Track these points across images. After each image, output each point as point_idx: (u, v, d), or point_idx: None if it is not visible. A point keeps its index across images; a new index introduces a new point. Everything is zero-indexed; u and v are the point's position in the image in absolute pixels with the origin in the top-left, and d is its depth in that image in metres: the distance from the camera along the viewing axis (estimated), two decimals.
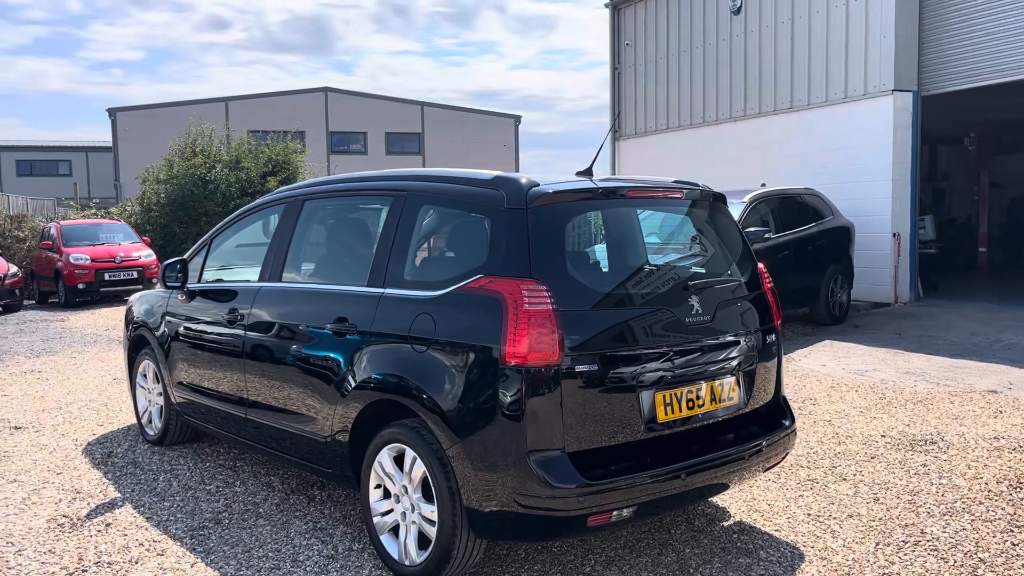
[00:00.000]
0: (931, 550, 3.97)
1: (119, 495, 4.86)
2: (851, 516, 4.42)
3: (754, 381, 3.98)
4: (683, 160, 15.89)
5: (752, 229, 9.60)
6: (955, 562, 3.84)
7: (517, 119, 49.05)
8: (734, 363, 3.86)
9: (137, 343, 5.93)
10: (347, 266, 4.28)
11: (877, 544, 4.06)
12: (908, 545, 4.04)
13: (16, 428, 6.44)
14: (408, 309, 3.68)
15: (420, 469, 3.57)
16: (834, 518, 4.40)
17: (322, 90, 45.89)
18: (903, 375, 7.86)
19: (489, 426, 3.31)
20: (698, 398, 3.68)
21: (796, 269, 10.25)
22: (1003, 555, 3.89)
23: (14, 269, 16.13)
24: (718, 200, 4.25)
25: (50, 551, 4.05)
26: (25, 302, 17.12)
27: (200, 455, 5.62)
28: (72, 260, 16.39)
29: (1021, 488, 4.73)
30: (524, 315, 3.26)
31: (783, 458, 4.16)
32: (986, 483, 4.83)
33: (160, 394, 5.67)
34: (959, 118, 16.08)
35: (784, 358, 8.73)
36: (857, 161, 12.51)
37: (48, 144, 55.57)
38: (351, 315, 3.95)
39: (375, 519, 3.84)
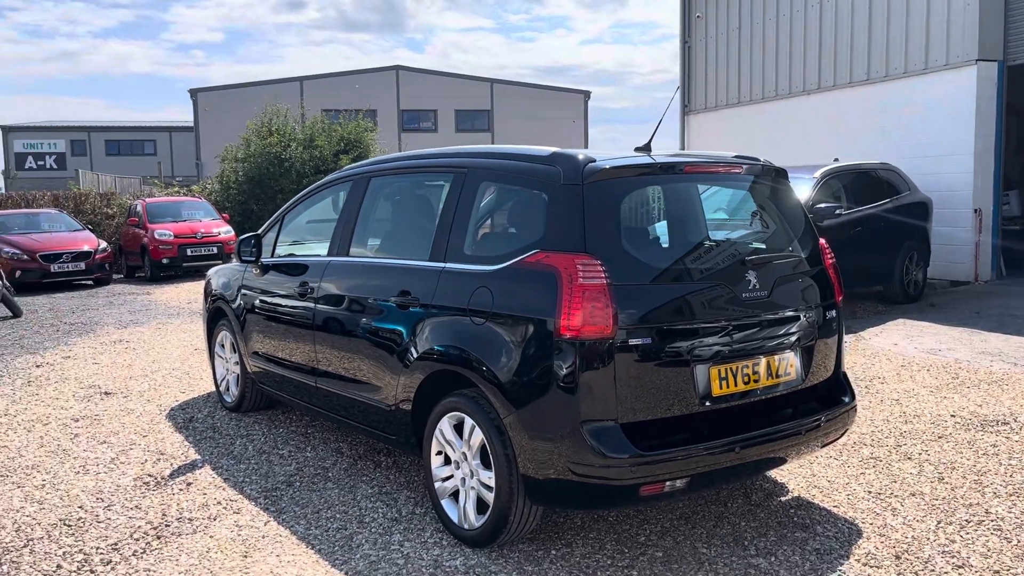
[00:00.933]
0: (995, 530, 3.92)
1: (199, 457, 5.14)
2: (913, 495, 4.38)
3: (813, 357, 3.97)
4: (754, 135, 15.60)
5: (823, 205, 9.42)
6: (1019, 542, 3.78)
7: (586, 95, 48.69)
8: (792, 339, 3.86)
9: (215, 315, 6.22)
10: (410, 241, 4.42)
11: (939, 522, 4.03)
12: (971, 524, 3.99)
13: (106, 394, 6.83)
14: (467, 283, 3.79)
15: (479, 437, 3.69)
16: (896, 496, 4.37)
17: (393, 68, 46.38)
18: (979, 355, 7.65)
19: (544, 397, 3.40)
20: (754, 373, 3.70)
21: (869, 246, 10.01)
22: None
23: (104, 244, 16.91)
24: (780, 175, 4.23)
25: (136, 507, 4.33)
26: (114, 276, 17.94)
27: (274, 421, 5.88)
28: (157, 236, 17.08)
29: None
30: (579, 289, 3.33)
31: (842, 434, 4.15)
32: None
33: (236, 363, 5.95)
34: None
35: (854, 336, 8.71)
36: (937, 134, 12.10)
37: (134, 124, 57.67)
38: (413, 288, 4.08)
39: (436, 484, 3.99)
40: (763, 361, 3.72)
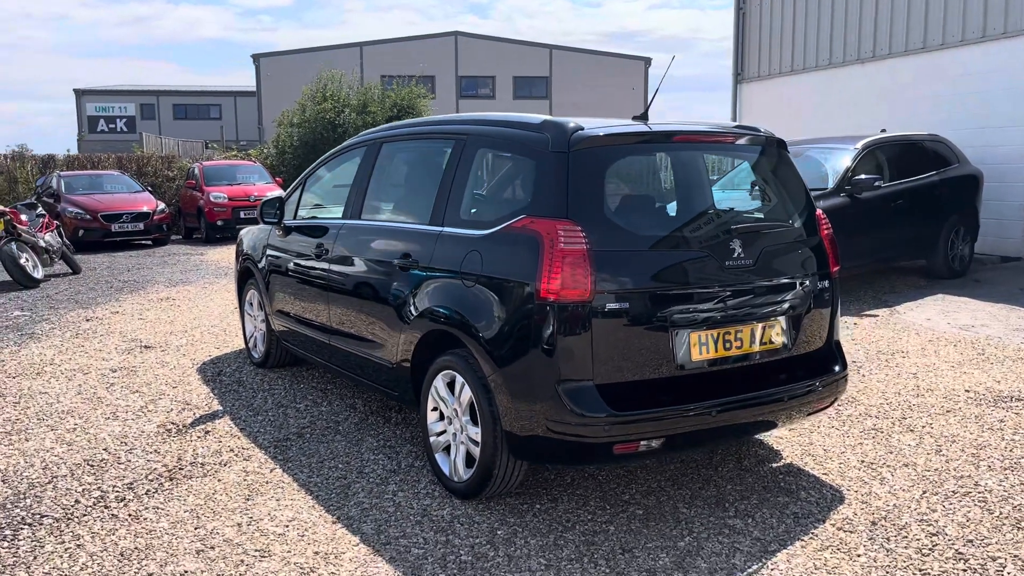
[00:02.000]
0: (979, 501, 3.94)
1: (221, 408, 5.43)
2: (906, 465, 4.41)
3: (802, 326, 4.02)
4: (806, 104, 15.29)
5: (862, 177, 9.26)
6: (1000, 514, 3.80)
7: (647, 61, 47.98)
8: (779, 307, 3.90)
9: (244, 274, 6.49)
10: (414, 205, 4.56)
11: (924, 492, 4.06)
12: (957, 495, 4.02)
13: (146, 347, 7.20)
14: (461, 246, 3.93)
15: (467, 394, 3.85)
16: (888, 466, 4.40)
17: (452, 34, 46.36)
18: (1013, 331, 7.50)
19: (524, 357, 3.54)
20: (737, 340, 3.77)
21: (911, 219, 9.80)
22: None
23: (162, 206, 17.51)
24: (779, 146, 4.24)
25: (155, 451, 4.63)
26: (173, 237, 18.59)
27: (297, 377, 6.14)
28: (212, 199, 17.61)
29: None
30: (559, 254, 3.44)
31: (831, 403, 4.19)
32: None
33: (263, 321, 6.22)
34: None
35: (888, 310, 8.60)
36: (993, 105, 11.70)
37: (200, 89, 58.94)
38: (414, 251, 4.24)
39: (431, 439, 4.17)
40: (746, 328, 3.79)
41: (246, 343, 6.65)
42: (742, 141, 4.15)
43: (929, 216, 10.04)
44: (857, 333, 7.60)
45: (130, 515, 3.82)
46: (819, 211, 4.26)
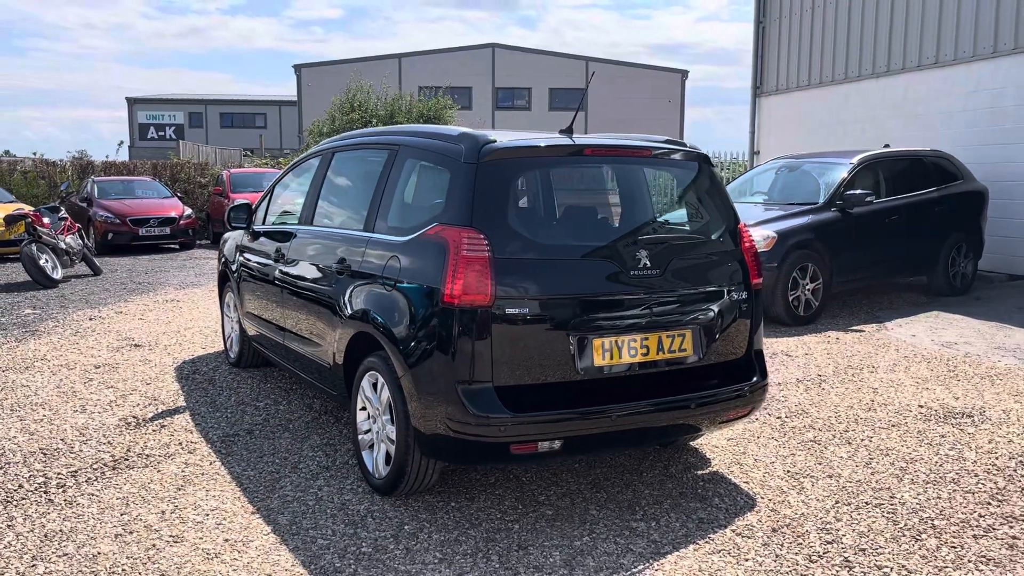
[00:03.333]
0: (888, 512, 3.99)
1: (185, 404, 5.67)
2: (831, 477, 4.46)
3: (716, 336, 4.10)
4: (822, 118, 15.21)
5: (853, 192, 9.23)
6: (905, 525, 3.84)
7: (683, 74, 47.86)
8: (688, 317, 4.00)
9: (223, 277, 6.75)
10: (353, 212, 4.75)
11: (837, 503, 4.11)
12: (869, 506, 4.06)
13: (136, 346, 7.50)
14: (384, 252, 4.11)
15: (386, 394, 4.02)
16: (812, 477, 4.46)
17: (489, 46, 46.79)
18: (993, 350, 7.44)
19: (429, 358, 3.69)
20: (642, 347, 3.87)
21: (908, 235, 9.73)
22: (960, 524, 3.85)
23: (189, 211, 18.03)
24: (702, 160, 4.34)
25: (108, 442, 4.87)
26: (200, 241, 19.12)
27: (267, 377, 6.37)
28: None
29: None
30: (463, 260, 3.60)
31: (748, 412, 4.25)
32: (997, 458, 4.68)
33: (237, 322, 6.46)
34: None
35: (877, 326, 8.57)
36: (1004, 121, 11.55)
37: (246, 98, 60.36)
38: (348, 256, 4.43)
39: (359, 436, 4.34)
40: (652, 336, 3.89)
41: (224, 343, 6.90)
42: (663, 155, 4.26)
43: (928, 232, 9.96)
44: (835, 348, 7.60)
45: (65, 500, 4.05)
46: (742, 225, 4.34)
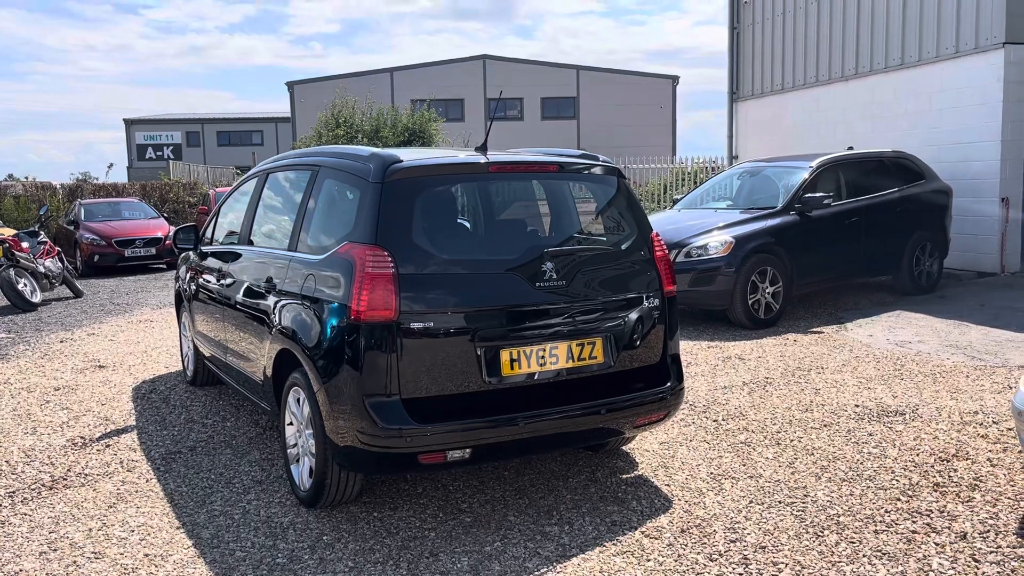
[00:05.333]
0: (798, 511, 4.09)
1: (134, 423, 5.79)
2: (752, 477, 4.56)
3: (627, 343, 4.21)
4: (797, 121, 15.34)
5: (811, 195, 9.34)
6: (810, 522, 3.94)
7: (675, 80, 48.01)
8: (597, 325, 4.11)
9: (179, 297, 6.88)
10: (280, 232, 4.88)
11: (751, 503, 4.21)
12: (781, 505, 4.16)
13: (100, 367, 7.64)
14: (304, 271, 4.23)
15: (307, 408, 4.14)
16: (732, 478, 4.56)
17: (480, 57, 47.02)
18: (945, 347, 7.53)
19: (339, 372, 3.82)
20: (551, 355, 3.99)
21: (869, 236, 9.82)
22: (865, 520, 3.95)
23: (175, 230, 18.19)
24: (612, 174, 4.46)
25: (51, 463, 5.00)
26: None
27: (222, 394, 6.49)
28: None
29: (948, 461, 4.65)
30: (368, 277, 3.72)
31: (663, 416, 4.36)
32: (917, 455, 4.78)
33: (192, 340, 6.59)
34: None
35: (837, 327, 8.67)
36: (966, 121, 11.66)
37: (241, 116, 60.73)
38: (274, 275, 4.56)
39: (288, 450, 4.46)
40: (561, 345, 4.01)
41: (182, 362, 7.03)
42: (572, 170, 4.38)
43: (890, 233, 10.06)
44: (790, 350, 7.70)
45: None
46: (654, 234, 4.46)
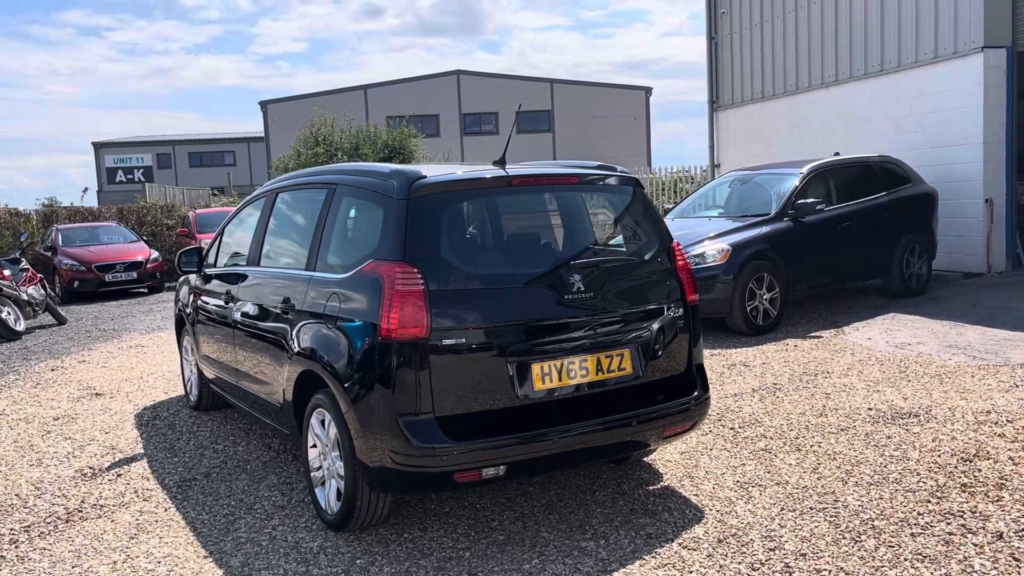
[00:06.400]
0: (831, 516, 4.08)
1: (143, 451, 5.67)
2: (779, 484, 4.55)
3: (654, 353, 4.20)
4: (777, 129, 15.50)
5: (804, 201, 9.42)
6: (846, 527, 3.93)
7: (648, 91, 48.41)
8: (625, 336, 4.09)
9: (180, 320, 6.78)
10: (296, 251, 4.82)
11: (783, 509, 4.20)
12: (813, 511, 4.15)
13: (97, 394, 7.49)
14: (325, 290, 4.17)
15: (334, 430, 4.07)
16: (760, 486, 4.54)
17: (454, 73, 47.13)
18: (945, 348, 7.60)
19: (370, 392, 3.76)
20: (581, 368, 3.96)
21: (861, 240, 9.92)
22: (900, 523, 3.94)
23: (155, 254, 17.99)
24: (631, 184, 4.46)
25: (63, 495, 4.87)
26: (169, 284, 19.04)
27: (228, 419, 6.39)
28: (203, 246, 18.04)
29: (971, 461, 4.67)
30: (398, 295, 3.67)
31: (691, 426, 4.34)
32: (939, 456, 4.79)
33: (195, 364, 6.48)
34: None
35: (835, 330, 8.73)
36: (948, 124, 11.84)
37: (214, 137, 60.26)
38: (292, 295, 4.49)
39: (312, 474, 4.38)
40: (591, 358, 3.98)
41: (184, 387, 6.91)
42: (592, 181, 4.38)
43: (881, 236, 10.16)
44: (793, 355, 7.73)
45: (17, 556, 4.05)
46: (675, 243, 4.45)
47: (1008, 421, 5.32)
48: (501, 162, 4.29)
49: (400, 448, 3.66)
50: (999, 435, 5.08)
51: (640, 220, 4.46)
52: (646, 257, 4.34)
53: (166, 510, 4.58)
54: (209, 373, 6.09)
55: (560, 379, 3.90)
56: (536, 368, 3.85)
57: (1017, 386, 6.15)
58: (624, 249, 4.41)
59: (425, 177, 3.91)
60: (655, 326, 4.21)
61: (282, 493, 4.76)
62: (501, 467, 3.74)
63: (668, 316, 4.27)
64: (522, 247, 4.37)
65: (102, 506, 4.67)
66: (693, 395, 4.31)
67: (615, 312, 4.08)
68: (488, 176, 4.04)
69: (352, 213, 4.37)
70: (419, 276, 3.69)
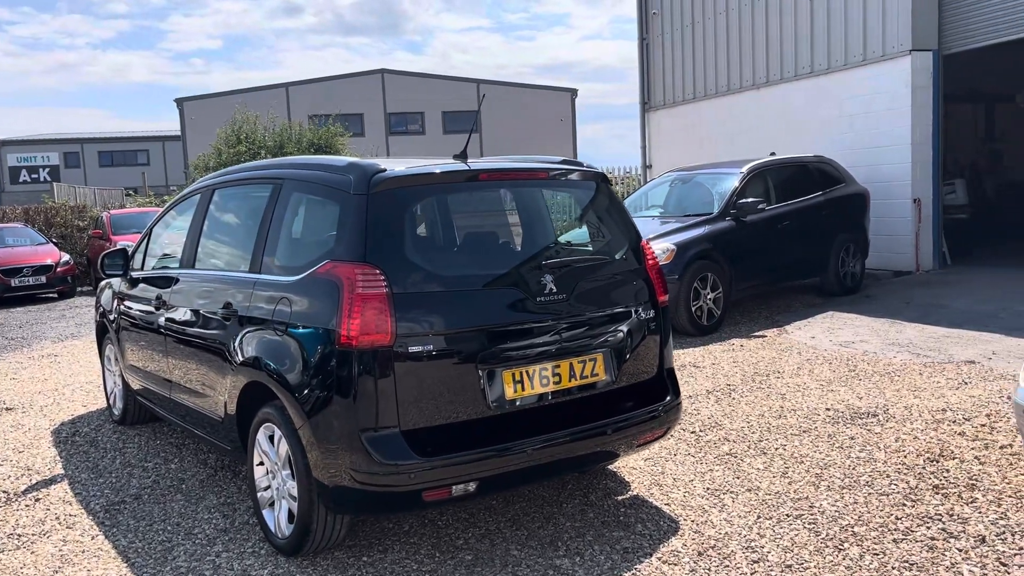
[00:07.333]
0: (809, 523, 3.94)
1: (63, 472, 5.19)
2: (750, 490, 4.40)
3: (626, 357, 3.99)
4: (711, 130, 15.60)
5: (745, 200, 9.42)
6: (827, 535, 3.80)
7: (573, 92, 48.64)
8: (598, 340, 3.88)
9: (101, 328, 6.27)
10: (238, 252, 4.45)
11: (759, 517, 4.05)
12: (790, 519, 4.01)
13: (7, 409, 6.89)
14: (273, 294, 3.83)
15: (285, 447, 3.73)
16: (731, 492, 4.39)
17: (379, 72, 46.42)
18: (888, 346, 7.65)
19: (329, 405, 3.44)
20: (554, 375, 3.72)
21: (799, 240, 9.99)
22: (880, 528, 3.83)
23: (66, 257, 17.01)
24: (600, 179, 4.25)
25: None
26: (80, 288, 18.06)
27: (156, 433, 5.92)
28: (127, 247, 17.14)
29: (937, 461, 4.62)
30: (358, 298, 3.37)
31: (664, 432, 4.17)
32: (905, 456, 4.73)
33: (120, 376, 5.99)
34: (1012, 74, 15.33)
35: (778, 330, 8.72)
36: (877, 126, 12.08)
37: (126, 135, 57.93)
38: (234, 300, 4.12)
39: (258, 494, 4.03)
40: (563, 363, 3.75)
41: (107, 399, 6.41)
42: (560, 176, 4.15)
43: (818, 235, 10.26)
44: (741, 355, 7.67)
45: None
46: (644, 242, 4.26)
47: (965, 419, 5.31)
48: (463, 156, 4.02)
49: (362, 465, 3.35)
50: (959, 434, 5.05)
51: (608, 217, 4.25)
52: (616, 256, 4.13)
53: (93, 538, 4.15)
54: (136, 384, 5.63)
55: (533, 386, 3.66)
56: (508, 375, 3.60)
57: (966, 383, 6.19)
58: (593, 248, 4.20)
59: (385, 170, 3.61)
60: (627, 329, 4.00)
61: (224, 515, 4.37)
62: (472, 483, 3.47)
63: (641, 318, 4.07)
64: (490, 245, 4.10)
65: (19, 536, 4.20)
66: (666, 400, 4.12)
67: (587, 315, 3.86)
68: (453, 170, 3.77)
69: (302, 210, 4.03)
70: (382, 278, 3.39)
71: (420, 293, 3.48)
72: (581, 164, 4.26)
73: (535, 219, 4.12)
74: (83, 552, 3.99)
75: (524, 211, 4.13)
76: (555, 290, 3.73)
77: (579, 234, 4.26)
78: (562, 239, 4.26)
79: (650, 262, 4.22)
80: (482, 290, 3.63)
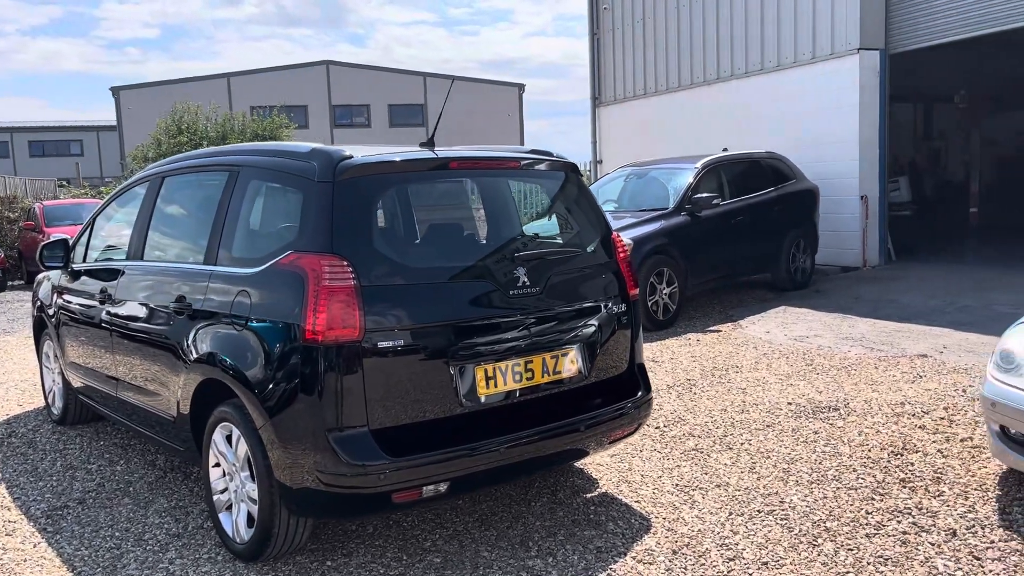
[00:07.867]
0: (781, 519, 3.91)
1: None
2: (719, 486, 4.36)
3: (599, 352, 3.90)
4: (661, 125, 15.65)
5: (700, 195, 9.44)
6: (800, 531, 3.77)
7: (520, 88, 48.59)
8: (571, 334, 3.78)
9: (39, 323, 5.96)
10: (191, 243, 4.23)
11: (731, 514, 4.00)
12: (761, 515, 3.97)
13: None
14: (231, 287, 3.64)
15: (244, 448, 3.54)
16: (700, 488, 4.34)
17: (323, 63, 45.69)
18: (842, 340, 7.73)
19: (293, 404, 3.27)
20: (527, 371, 3.61)
21: (751, 235, 10.06)
22: (852, 523, 3.82)
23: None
24: (570, 170, 4.15)
25: None
26: (12, 283, 17.33)
27: (100, 433, 5.64)
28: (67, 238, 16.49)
29: (901, 455, 4.64)
30: (324, 291, 3.21)
31: (635, 429, 4.09)
32: (869, 450, 4.74)
33: (59, 373, 5.70)
34: (951, 75, 15.73)
35: (733, 324, 8.75)
36: (825, 123, 12.24)
37: (59, 124, 55.98)
38: (188, 293, 3.92)
39: (214, 497, 3.83)
40: (536, 358, 3.64)
41: (45, 398, 6.09)
42: (531, 166, 4.03)
43: (770, 231, 10.34)
44: (698, 350, 7.67)
45: None
46: (615, 235, 4.17)
47: (924, 412, 5.36)
48: (430, 143, 3.87)
49: (328, 466, 3.19)
50: (920, 427, 5.09)
51: (578, 209, 4.15)
52: (588, 249, 4.03)
53: (35, 546, 3.90)
54: (77, 382, 5.34)
55: (506, 383, 3.54)
56: (480, 372, 3.47)
57: (921, 376, 6.26)
58: (564, 240, 4.09)
59: (351, 157, 3.45)
60: (599, 323, 3.91)
61: (175, 519, 4.16)
62: (444, 484, 3.34)
63: (612, 311, 3.98)
64: (460, 237, 3.96)
65: None
66: (638, 395, 4.04)
67: (560, 308, 3.76)
68: (422, 157, 3.62)
69: (261, 199, 3.84)
70: (349, 270, 3.23)
71: (389, 286, 3.33)
72: (551, 154, 4.15)
73: (504, 211, 4.00)
74: (25, 560, 3.74)
75: (493, 202, 4.00)
76: (528, 283, 3.61)
77: (551, 226, 4.15)
78: (532, 231, 4.14)
79: (621, 255, 4.13)
80: (453, 283, 3.50)
